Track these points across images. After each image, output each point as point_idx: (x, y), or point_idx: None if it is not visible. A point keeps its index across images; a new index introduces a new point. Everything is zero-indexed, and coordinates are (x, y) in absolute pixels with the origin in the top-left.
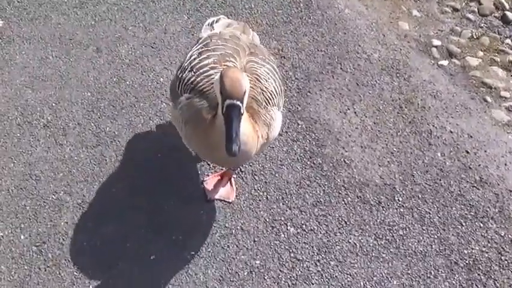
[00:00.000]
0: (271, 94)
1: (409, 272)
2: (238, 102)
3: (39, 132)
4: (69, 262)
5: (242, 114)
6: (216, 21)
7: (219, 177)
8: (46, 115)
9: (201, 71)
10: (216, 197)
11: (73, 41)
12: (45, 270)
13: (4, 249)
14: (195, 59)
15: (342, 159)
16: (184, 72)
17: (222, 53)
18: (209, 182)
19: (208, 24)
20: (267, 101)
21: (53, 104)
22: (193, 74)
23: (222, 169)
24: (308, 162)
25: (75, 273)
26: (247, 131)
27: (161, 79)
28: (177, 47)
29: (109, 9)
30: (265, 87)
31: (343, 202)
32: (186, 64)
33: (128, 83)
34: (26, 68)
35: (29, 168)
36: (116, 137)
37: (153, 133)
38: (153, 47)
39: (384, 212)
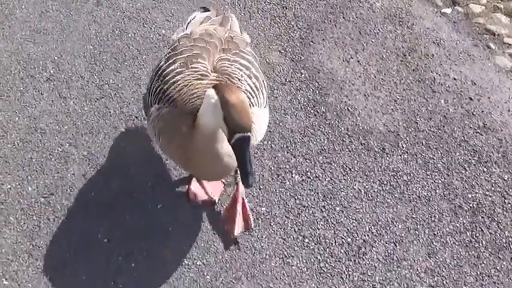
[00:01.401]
0: (249, 94)
1: (413, 216)
2: (249, 134)
3: (42, 86)
4: (78, 213)
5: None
6: (192, 19)
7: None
8: (49, 69)
9: (167, 78)
10: (239, 230)
11: None
12: (54, 221)
13: (12, 201)
14: (161, 66)
15: (346, 108)
16: (152, 82)
17: (189, 54)
18: (228, 217)
19: (185, 24)
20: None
21: (55, 58)
22: (160, 82)
23: None
24: (312, 111)
25: (83, 223)
26: (227, 146)
27: (163, 31)
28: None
29: None
30: (238, 86)
31: (347, 149)
32: (153, 74)
33: (129, 35)
34: (27, 22)
35: (34, 121)
36: (119, 89)
37: None
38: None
39: (388, 158)
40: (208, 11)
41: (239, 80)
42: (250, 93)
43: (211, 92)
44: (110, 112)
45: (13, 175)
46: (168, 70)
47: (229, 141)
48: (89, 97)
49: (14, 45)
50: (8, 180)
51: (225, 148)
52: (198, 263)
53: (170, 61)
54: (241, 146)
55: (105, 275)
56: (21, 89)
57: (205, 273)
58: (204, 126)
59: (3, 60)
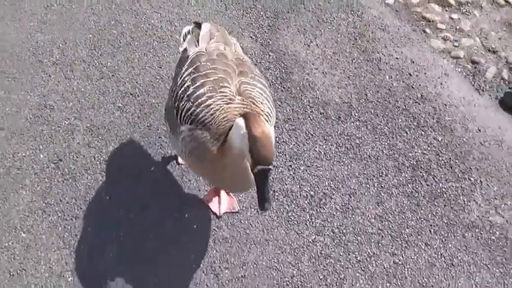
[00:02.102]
0: (267, 116)
1: (364, 172)
2: (270, 166)
3: (49, 69)
4: (83, 175)
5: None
6: (193, 31)
7: (215, 192)
8: (55, 54)
9: (199, 101)
10: (223, 211)
11: None
12: (63, 182)
13: (27, 167)
14: (189, 86)
15: (307, 84)
16: (182, 101)
17: (215, 78)
18: (209, 199)
19: (188, 33)
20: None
21: (60, 45)
22: (191, 104)
23: None
24: (279, 87)
25: (88, 183)
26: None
27: (152, 21)
28: None
29: None
30: (261, 109)
31: (309, 118)
32: (180, 92)
33: (123, 25)
34: (34, 15)
35: (43, 99)
36: (116, 71)
37: (148, 66)
38: None
39: (342, 125)
40: (199, 24)
41: (261, 103)
42: (269, 114)
43: (241, 123)
44: (108, 90)
45: (27, 145)
46: (198, 93)
47: (252, 169)
48: (90, 78)
49: (24, 35)
50: (23, 149)
51: (249, 169)
52: (186, 215)
53: (198, 83)
54: (262, 177)
55: (108, 228)
56: (32, 72)
57: (192, 223)
58: (232, 150)
59: (15, 47)
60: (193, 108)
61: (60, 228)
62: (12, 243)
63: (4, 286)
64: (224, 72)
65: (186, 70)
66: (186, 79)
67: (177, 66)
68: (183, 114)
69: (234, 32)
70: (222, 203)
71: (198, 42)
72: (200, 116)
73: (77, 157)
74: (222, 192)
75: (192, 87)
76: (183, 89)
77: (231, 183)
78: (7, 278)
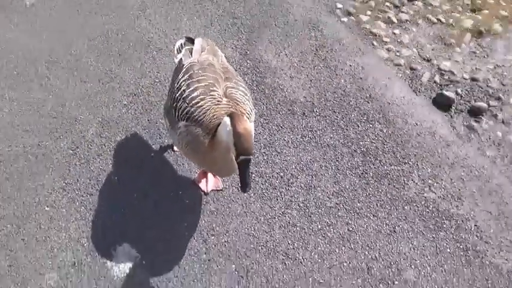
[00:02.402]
0: (248, 114)
1: (324, 157)
2: (251, 156)
3: (67, 73)
4: (96, 160)
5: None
6: (185, 45)
7: (204, 174)
8: (70, 61)
9: (193, 102)
10: (210, 188)
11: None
12: (80, 166)
13: (50, 153)
14: (184, 90)
15: (278, 86)
16: (179, 102)
17: (206, 83)
18: (199, 180)
19: (182, 46)
20: (249, 118)
21: (74, 52)
22: (186, 104)
23: None
24: (255, 88)
25: (100, 167)
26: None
27: (151, 35)
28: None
29: None
30: (244, 109)
31: (279, 114)
32: (178, 95)
33: (129, 38)
34: (50, 27)
35: (62, 99)
36: (122, 75)
37: (148, 71)
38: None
39: (306, 119)
40: (191, 39)
41: (244, 103)
42: (249, 112)
43: (228, 121)
44: (116, 91)
45: (50, 135)
46: (192, 95)
47: (236, 159)
48: (101, 81)
49: (42, 43)
50: (46, 139)
51: (224, 150)
52: (179, 193)
53: (192, 88)
54: (244, 165)
55: (116, 203)
56: (50, 76)
57: (185, 199)
58: (220, 143)
59: (35, 53)
60: (188, 108)
61: (78, 203)
62: (38, 215)
63: (32, 250)
64: (213, 79)
65: (182, 77)
66: (182, 84)
67: (174, 74)
68: (179, 113)
69: (218, 44)
70: (209, 182)
71: (191, 54)
72: (194, 114)
73: (91, 145)
74: (209, 174)
75: (187, 91)
76: (179, 92)
77: (218, 170)
78: (34, 243)
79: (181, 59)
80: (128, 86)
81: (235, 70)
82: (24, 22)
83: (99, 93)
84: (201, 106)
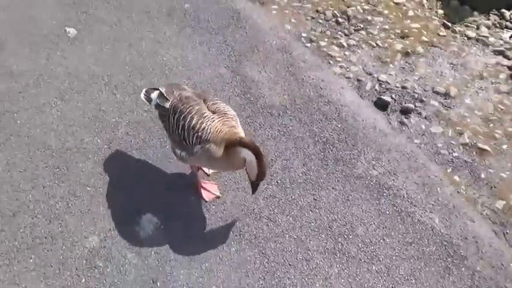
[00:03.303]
0: (234, 117)
1: (295, 147)
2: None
3: (102, 88)
4: (125, 152)
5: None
6: (148, 92)
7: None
8: (104, 80)
9: (196, 128)
10: (210, 198)
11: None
12: (113, 157)
13: (89, 147)
14: (184, 124)
15: (260, 95)
16: (186, 134)
17: (195, 111)
18: (198, 189)
19: (148, 93)
20: (236, 123)
21: (109, 73)
22: (194, 132)
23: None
24: (243, 96)
25: (128, 157)
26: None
27: (165, 58)
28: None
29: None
30: (232, 114)
31: (261, 115)
32: (181, 131)
33: (147, 62)
34: (92, 54)
35: (99, 106)
36: (143, 88)
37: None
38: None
39: (282, 119)
40: (157, 89)
41: (229, 111)
42: (234, 115)
43: (249, 153)
44: (138, 100)
45: (89, 134)
46: (193, 124)
47: (252, 182)
48: (128, 93)
49: (84, 66)
50: (86, 136)
51: (240, 161)
52: (188, 174)
53: (188, 119)
54: (258, 184)
55: (142, 182)
56: (91, 89)
57: (192, 181)
58: (238, 158)
59: (80, 75)
60: (196, 134)
61: (112, 185)
62: (82, 193)
63: (78, 220)
64: (197, 105)
65: (174, 117)
66: (179, 122)
67: (162, 118)
68: (193, 140)
69: (214, 65)
70: (208, 190)
71: (166, 97)
72: (203, 136)
73: (121, 141)
74: (207, 184)
75: (187, 123)
76: (181, 127)
77: (228, 169)
78: (79, 215)
79: (159, 104)
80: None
81: (228, 83)
82: (70, 51)
83: (126, 102)
84: (204, 128)
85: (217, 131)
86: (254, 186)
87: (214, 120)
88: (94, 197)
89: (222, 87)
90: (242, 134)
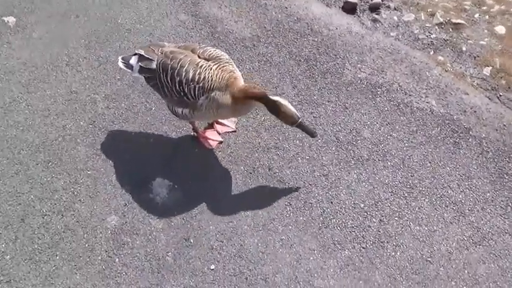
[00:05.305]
0: (229, 60)
1: (280, 72)
2: (300, 120)
3: (65, 69)
4: (112, 125)
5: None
6: (125, 59)
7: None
8: (64, 59)
9: (196, 78)
10: (214, 145)
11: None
12: (101, 133)
13: (71, 132)
14: (181, 79)
15: (228, 31)
16: (185, 88)
17: (188, 62)
18: (204, 134)
19: (126, 59)
20: (233, 67)
21: (66, 52)
22: (195, 84)
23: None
24: (211, 37)
25: (118, 130)
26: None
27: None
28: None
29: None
30: (227, 58)
31: (236, 51)
32: (178, 87)
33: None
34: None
35: (68, 89)
36: (107, 56)
37: (124, 47)
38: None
39: (257, 49)
40: (134, 54)
41: (222, 55)
42: (229, 59)
43: (286, 104)
44: (108, 70)
45: (69, 119)
46: (191, 76)
47: (293, 125)
48: (93, 67)
49: (37, 52)
50: (68, 122)
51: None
52: (192, 134)
53: (184, 73)
54: (301, 125)
55: (140, 152)
56: (54, 74)
57: (196, 140)
58: (251, 108)
59: (37, 62)
60: (198, 85)
61: (111, 161)
62: (84, 179)
63: (90, 205)
64: (185, 56)
65: (165, 76)
66: (173, 77)
67: (151, 82)
68: (195, 93)
69: (172, 14)
70: (210, 140)
71: (149, 58)
72: (206, 85)
73: (104, 117)
74: (207, 133)
75: (184, 77)
76: (178, 82)
77: (239, 114)
78: (89, 200)
79: (141, 67)
80: (116, 64)
81: (192, 29)
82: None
83: (95, 76)
84: (205, 78)
85: (218, 78)
86: (302, 128)
87: (211, 68)
88: (98, 179)
89: (188, 33)
90: (240, 78)
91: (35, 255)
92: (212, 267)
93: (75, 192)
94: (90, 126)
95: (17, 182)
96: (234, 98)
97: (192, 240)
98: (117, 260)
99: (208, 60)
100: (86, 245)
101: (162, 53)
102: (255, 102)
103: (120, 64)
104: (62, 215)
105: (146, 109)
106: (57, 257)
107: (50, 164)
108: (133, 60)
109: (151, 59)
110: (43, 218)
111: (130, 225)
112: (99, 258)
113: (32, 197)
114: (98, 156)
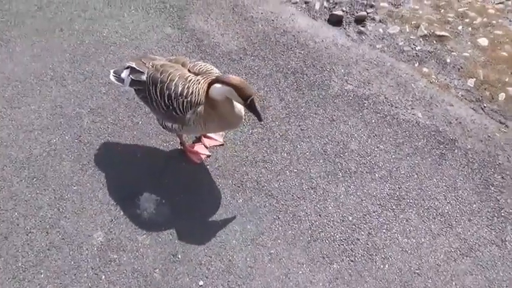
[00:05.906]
0: (219, 73)
1: (267, 84)
2: (253, 96)
3: (50, 83)
4: (98, 140)
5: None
6: (117, 72)
7: (195, 146)
8: (49, 73)
9: (185, 93)
10: (201, 160)
11: None
12: (87, 148)
13: (56, 147)
14: (170, 93)
15: (215, 44)
16: (174, 103)
17: (178, 76)
18: (192, 149)
19: (118, 73)
20: None
21: (50, 66)
22: (183, 98)
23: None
24: (198, 50)
25: (103, 144)
26: (240, 107)
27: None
28: None
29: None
30: (216, 72)
31: (223, 64)
32: (167, 101)
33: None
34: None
35: (53, 103)
36: (92, 71)
37: (109, 61)
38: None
39: (244, 62)
40: (126, 67)
41: (212, 69)
42: (218, 73)
43: (219, 86)
44: (94, 84)
45: (54, 134)
46: (180, 90)
47: (244, 104)
48: (78, 81)
49: (21, 67)
50: (53, 137)
51: (236, 111)
52: (179, 148)
53: (173, 87)
54: (252, 104)
55: (127, 167)
56: (38, 88)
57: (182, 156)
58: (217, 99)
59: (21, 77)
60: (186, 100)
61: (97, 176)
62: (69, 194)
63: (75, 221)
64: (176, 70)
65: (154, 89)
66: (162, 91)
67: (140, 95)
68: (183, 108)
69: (158, 27)
70: (197, 154)
71: (140, 71)
72: (193, 100)
73: (90, 131)
74: (195, 147)
75: (173, 91)
76: (167, 97)
77: (230, 123)
78: (75, 216)
79: (132, 80)
80: (102, 78)
81: (178, 42)
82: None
83: (80, 90)
84: (193, 92)
85: (204, 92)
86: (252, 109)
87: (200, 82)
88: (83, 194)
89: (174, 47)
90: None
91: (19, 273)
92: (201, 283)
93: (61, 209)
94: (76, 141)
95: (1, 198)
96: (206, 105)
97: (179, 256)
98: (103, 277)
99: (197, 74)
100: (72, 263)
101: (152, 66)
102: (213, 91)
103: (112, 78)
104: (47, 232)
105: (133, 123)
106: (42, 275)
107: (35, 180)
108: (124, 74)
109: (141, 72)
110: (27, 235)
111: (117, 241)
112: (85, 275)
113: (16, 214)
114: (83, 171)
